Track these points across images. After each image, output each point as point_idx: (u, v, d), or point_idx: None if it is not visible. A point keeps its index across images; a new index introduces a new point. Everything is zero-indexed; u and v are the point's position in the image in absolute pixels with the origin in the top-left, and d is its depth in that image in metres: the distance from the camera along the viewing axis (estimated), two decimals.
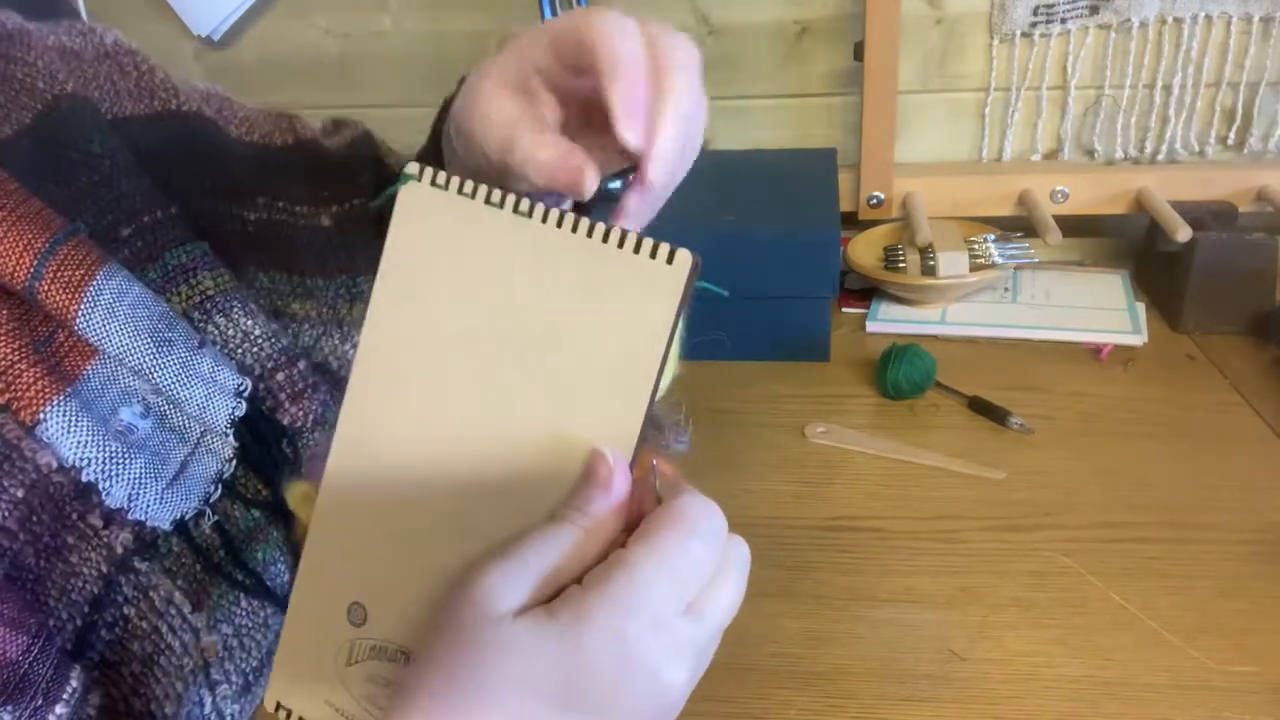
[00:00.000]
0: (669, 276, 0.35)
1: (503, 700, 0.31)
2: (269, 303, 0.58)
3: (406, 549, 0.38)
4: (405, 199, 0.39)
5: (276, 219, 0.58)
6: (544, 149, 0.40)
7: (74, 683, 0.40)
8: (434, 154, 0.54)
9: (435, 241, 0.39)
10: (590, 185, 0.40)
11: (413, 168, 0.38)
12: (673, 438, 0.42)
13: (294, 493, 0.43)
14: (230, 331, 0.53)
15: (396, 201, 0.39)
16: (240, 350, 0.53)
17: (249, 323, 0.53)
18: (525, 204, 0.37)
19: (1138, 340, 0.91)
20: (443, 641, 0.33)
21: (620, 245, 0.36)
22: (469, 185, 0.38)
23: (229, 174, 0.59)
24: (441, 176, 0.38)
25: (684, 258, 0.35)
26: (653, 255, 0.35)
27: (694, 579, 0.34)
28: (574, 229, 0.36)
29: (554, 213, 0.37)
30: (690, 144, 0.42)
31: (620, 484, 0.35)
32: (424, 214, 0.39)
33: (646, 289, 0.35)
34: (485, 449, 0.38)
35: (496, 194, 0.37)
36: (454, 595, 0.34)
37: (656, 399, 0.37)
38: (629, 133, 0.39)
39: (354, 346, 0.58)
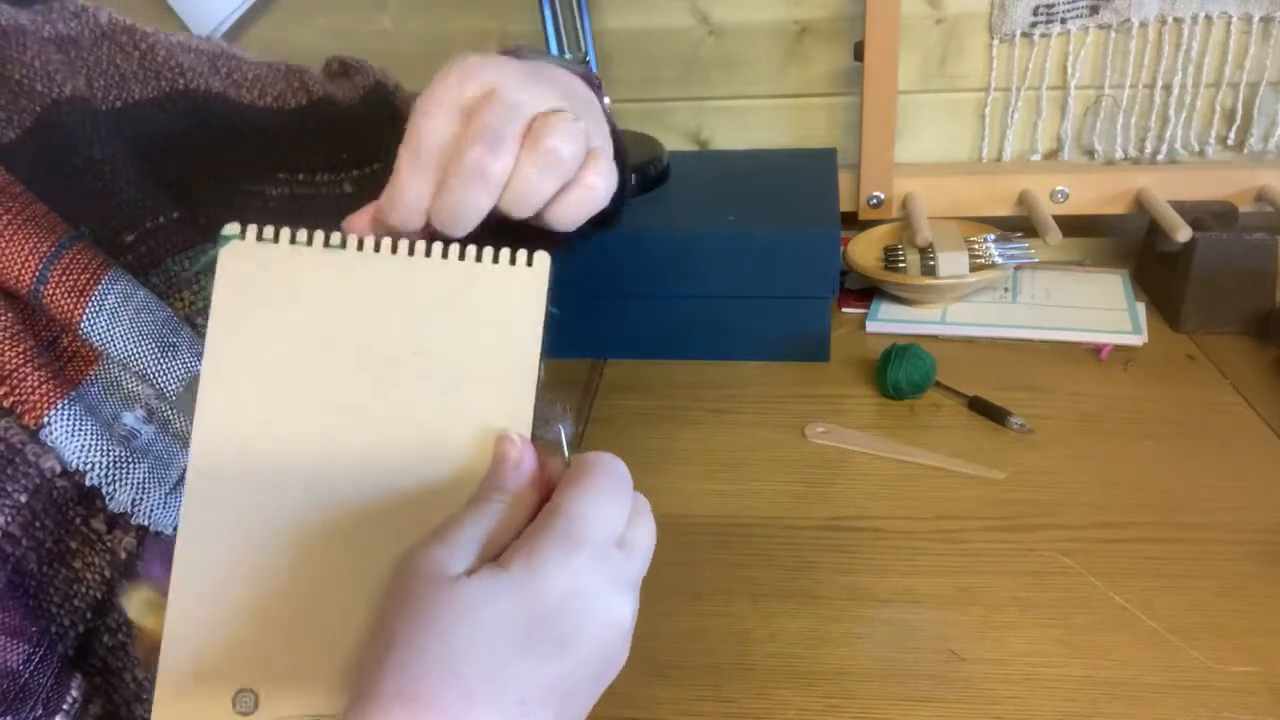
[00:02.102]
0: (532, 276, 0.39)
1: (474, 655, 0.32)
2: None
3: (302, 613, 0.37)
4: (230, 258, 0.38)
5: (299, 193, 0.58)
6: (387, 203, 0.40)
7: (75, 692, 0.40)
8: None
9: (273, 293, 0.38)
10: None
11: (232, 228, 0.38)
12: (561, 424, 0.45)
13: (136, 602, 0.41)
14: None
15: (219, 263, 0.38)
16: None
17: None
18: (369, 242, 0.39)
19: (1138, 340, 0.91)
20: (397, 618, 0.33)
21: (479, 259, 0.39)
22: (302, 233, 0.38)
23: (247, 152, 0.58)
24: (269, 230, 0.38)
25: (543, 258, 0.39)
26: (512, 262, 0.39)
27: (618, 516, 0.37)
28: (427, 253, 0.39)
29: (403, 244, 0.39)
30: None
31: (528, 458, 0.38)
32: (254, 270, 0.38)
33: (512, 291, 0.39)
34: (377, 481, 0.38)
35: (336, 236, 0.39)
36: (397, 576, 0.35)
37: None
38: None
39: None
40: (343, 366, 0.38)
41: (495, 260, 0.39)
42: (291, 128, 0.60)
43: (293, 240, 0.38)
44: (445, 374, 0.39)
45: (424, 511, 0.37)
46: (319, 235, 0.39)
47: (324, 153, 0.58)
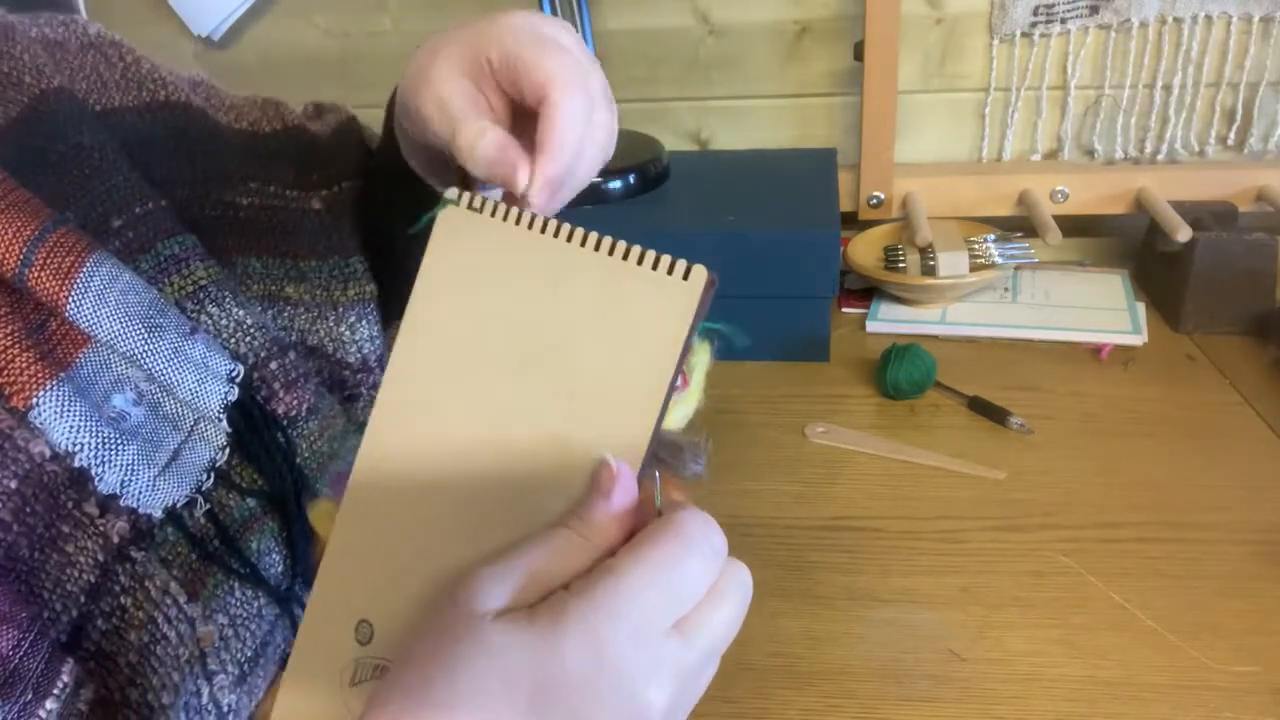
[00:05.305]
0: (684, 292, 0.35)
1: (473, 701, 0.30)
2: (263, 287, 0.58)
3: (416, 563, 0.37)
4: (442, 223, 0.39)
5: (268, 204, 0.59)
6: (485, 141, 0.42)
7: (65, 677, 0.40)
8: (391, 147, 0.55)
9: (468, 262, 0.39)
10: (523, 181, 0.41)
11: (451, 193, 0.39)
12: (690, 460, 0.41)
13: (317, 511, 0.43)
14: (223, 321, 0.53)
15: (435, 225, 0.39)
16: (234, 339, 0.53)
17: (241, 312, 0.53)
18: (552, 225, 0.37)
19: (1138, 340, 0.91)
20: (423, 640, 0.32)
21: (640, 261, 0.35)
22: (501, 209, 0.38)
23: (220, 161, 0.59)
24: (478, 200, 0.39)
25: (699, 273, 0.34)
26: (669, 271, 0.35)
27: (685, 595, 0.33)
28: (596, 246, 0.36)
29: (579, 231, 0.37)
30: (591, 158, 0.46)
31: (622, 493, 0.34)
32: (459, 237, 0.39)
33: (660, 303, 0.35)
34: (502, 460, 0.37)
35: (526, 216, 0.38)
36: (445, 596, 0.33)
37: (683, 425, 0.39)
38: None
39: (349, 328, 0.59)
40: (501, 345, 0.38)
41: (655, 266, 0.35)
42: (264, 148, 0.61)
43: (492, 214, 0.38)
44: (581, 373, 0.36)
45: (522, 507, 0.36)
46: (514, 211, 0.38)
47: (295, 171, 0.59)
